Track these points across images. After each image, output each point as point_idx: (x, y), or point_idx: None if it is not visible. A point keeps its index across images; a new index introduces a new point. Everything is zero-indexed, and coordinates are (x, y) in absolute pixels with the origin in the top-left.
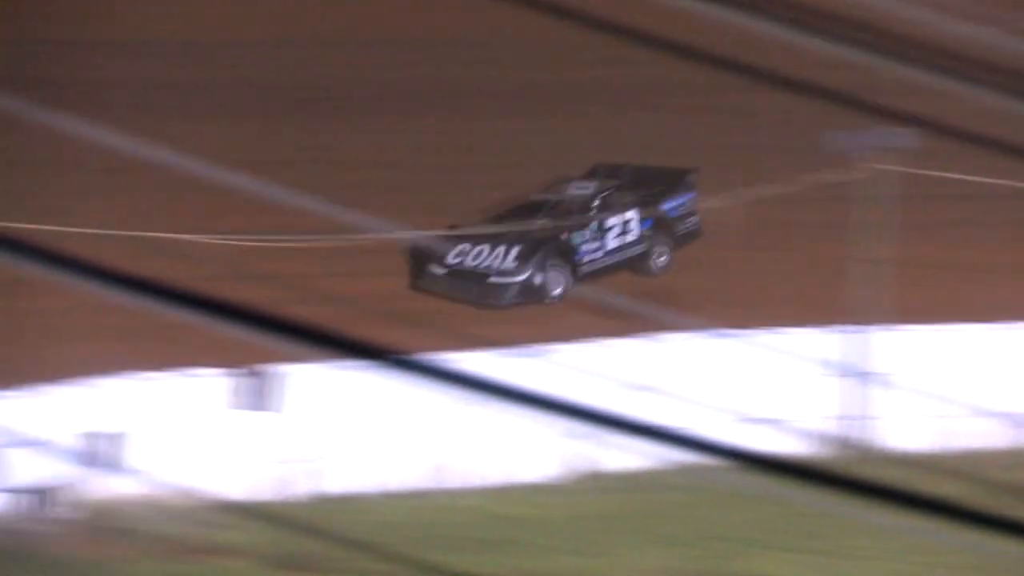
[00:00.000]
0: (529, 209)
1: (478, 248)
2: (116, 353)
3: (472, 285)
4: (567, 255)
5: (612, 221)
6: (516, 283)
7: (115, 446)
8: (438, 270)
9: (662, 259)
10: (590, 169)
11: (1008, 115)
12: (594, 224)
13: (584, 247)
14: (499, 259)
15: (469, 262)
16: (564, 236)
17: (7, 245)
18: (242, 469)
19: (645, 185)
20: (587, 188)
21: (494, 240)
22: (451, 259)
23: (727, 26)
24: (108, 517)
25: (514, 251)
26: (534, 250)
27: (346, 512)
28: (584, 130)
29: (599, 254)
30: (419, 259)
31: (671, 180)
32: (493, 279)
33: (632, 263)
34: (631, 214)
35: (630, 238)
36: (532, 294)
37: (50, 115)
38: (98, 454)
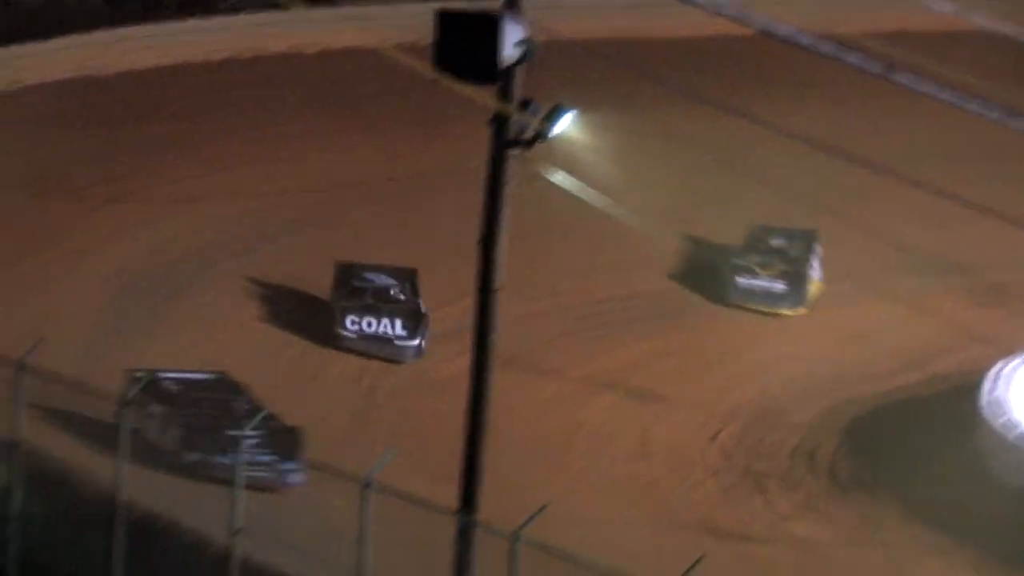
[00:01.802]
0: (359, 290)
1: (366, 319)
2: None
3: (384, 347)
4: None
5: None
6: (414, 345)
7: None
8: (347, 333)
9: None
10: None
11: None
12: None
13: None
14: (390, 327)
15: (368, 330)
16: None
17: None
18: None
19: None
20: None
21: (374, 312)
22: (351, 327)
23: None
24: None
25: (398, 322)
26: (416, 320)
27: None
28: None
29: None
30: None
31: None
32: (397, 343)
33: None
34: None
35: None
36: (421, 352)
37: None
38: None
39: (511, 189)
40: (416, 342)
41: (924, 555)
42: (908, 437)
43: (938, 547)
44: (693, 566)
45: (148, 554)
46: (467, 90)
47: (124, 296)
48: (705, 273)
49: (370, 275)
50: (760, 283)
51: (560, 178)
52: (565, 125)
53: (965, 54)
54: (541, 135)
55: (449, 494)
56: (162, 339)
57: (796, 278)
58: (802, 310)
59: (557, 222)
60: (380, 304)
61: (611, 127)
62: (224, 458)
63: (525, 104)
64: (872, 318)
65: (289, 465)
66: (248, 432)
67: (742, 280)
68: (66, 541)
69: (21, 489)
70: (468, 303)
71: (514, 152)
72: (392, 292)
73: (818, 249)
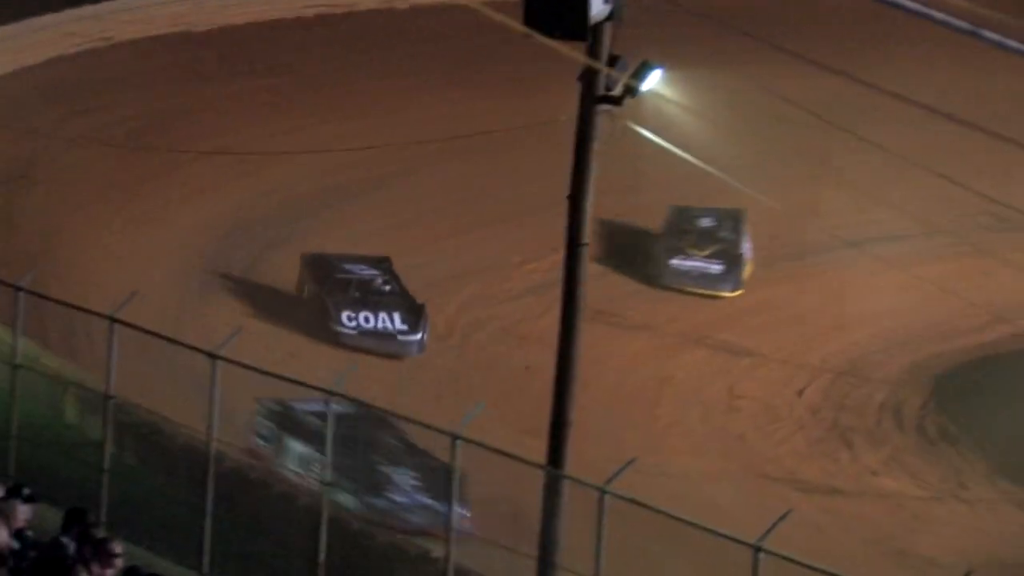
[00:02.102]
0: (343, 282)
1: (363, 313)
2: None
3: (385, 342)
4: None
5: None
6: (417, 340)
7: None
8: (346, 330)
9: None
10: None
11: None
12: None
13: None
14: (388, 322)
15: (366, 325)
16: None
17: None
18: None
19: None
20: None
21: (370, 307)
22: (348, 322)
23: None
24: None
25: (397, 315)
26: (416, 314)
27: None
28: None
29: None
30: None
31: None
32: (400, 338)
33: None
34: None
35: None
36: (423, 346)
37: None
38: None
39: (599, 145)
40: (419, 336)
41: (1009, 509)
42: (995, 392)
43: (1023, 501)
44: (780, 519)
45: (237, 504)
46: (557, 46)
47: (218, 248)
48: (781, 231)
49: (348, 266)
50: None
51: (648, 134)
52: (654, 81)
53: None
54: (630, 91)
55: (538, 449)
56: (255, 293)
57: (731, 260)
58: (739, 292)
59: (646, 179)
60: (374, 297)
61: (701, 84)
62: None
63: (613, 60)
64: (961, 272)
65: None
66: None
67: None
68: (156, 492)
69: (114, 441)
70: (556, 259)
71: (603, 108)
72: (377, 283)
73: (746, 229)
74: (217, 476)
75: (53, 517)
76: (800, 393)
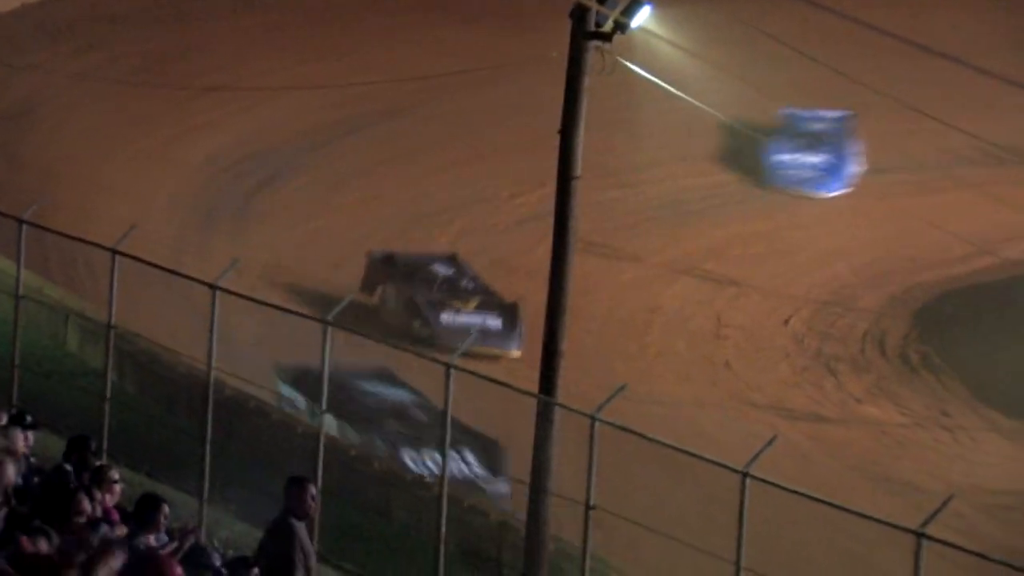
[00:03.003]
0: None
1: (463, 317)
2: None
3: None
4: None
5: None
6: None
7: None
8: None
9: None
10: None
11: None
12: None
13: None
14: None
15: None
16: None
17: None
18: None
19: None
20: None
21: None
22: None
23: None
24: None
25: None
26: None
27: None
28: None
29: None
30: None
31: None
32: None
33: None
34: None
35: None
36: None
37: None
38: None
39: (590, 80)
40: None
41: (991, 435)
42: (977, 321)
43: (1004, 428)
44: (767, 446)
45: (236, 432)
46: None
47: (217, 183)
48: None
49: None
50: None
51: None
52: (643, 18)
53: None
54: (620, 27)
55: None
56: (252, 227)
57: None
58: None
59: (636, 114)
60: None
61: (689, 20)
62: None
63: None
64: (944, 204)
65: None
66: None
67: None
68: (156, 420)
69: (114, 369)
70: (545, 192)
71: (594, 44)
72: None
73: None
74: (216, 404)
75: (55, 444)
76: (785, 322)
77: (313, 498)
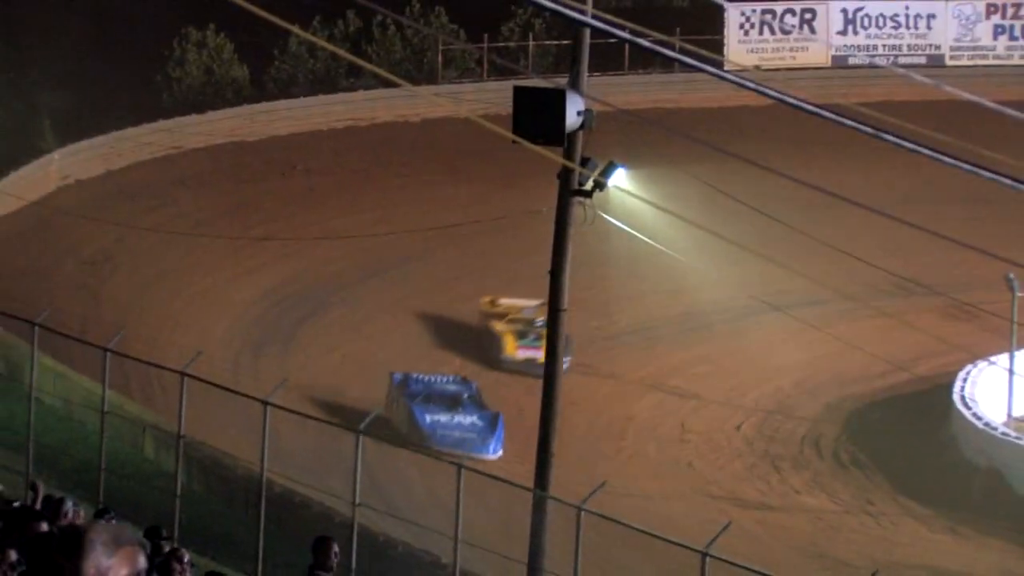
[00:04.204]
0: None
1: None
2: None
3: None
4: None
5: None
6: (492, 444)
7: None
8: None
9: None
10: None
11: None
12: None
13: None
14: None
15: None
16: None
17: None
18: None
19: None
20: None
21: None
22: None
23: None
24: None
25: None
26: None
27: None
28: None
29: None
30: None
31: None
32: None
33: None
34: None
35: None
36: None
37: None
38: None
39: (575, 229)
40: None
41: (909, 521)
42: (896, 426)
43: (920, 514)
44: (723, 530)
45: (284, 522)
46: (539, 150)
47: (267, 317)
48: (720, 298)
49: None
50: None
51: (614, 221)
52: (618, 178)
53: (938, 118)
54: (599, 186)
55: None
56: (296, 352)
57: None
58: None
59: (612, 258)
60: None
61: (656, 180)
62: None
63: (585, 161)
64: (867, 331)
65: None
66: None
67: None
68: (219, 513)
69: (184, 472)
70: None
71: (577, 200)
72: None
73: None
74: (267, 500)
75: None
76: (738, 428)
77: (336, 554)
